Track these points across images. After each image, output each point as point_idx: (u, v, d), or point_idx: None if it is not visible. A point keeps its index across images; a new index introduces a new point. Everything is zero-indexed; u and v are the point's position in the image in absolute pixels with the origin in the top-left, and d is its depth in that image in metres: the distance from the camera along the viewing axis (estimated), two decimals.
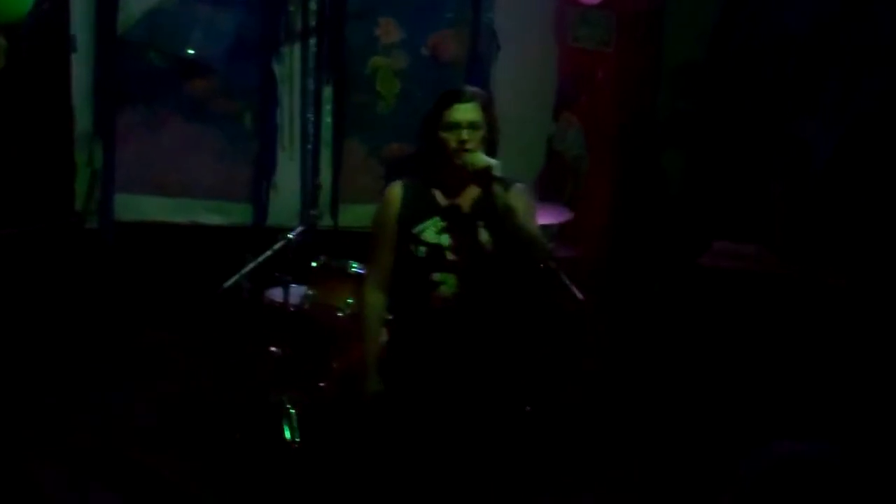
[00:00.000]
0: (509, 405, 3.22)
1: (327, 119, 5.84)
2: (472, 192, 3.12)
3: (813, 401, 4.06)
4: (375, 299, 3.22)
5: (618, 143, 6.09)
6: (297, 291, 4.27)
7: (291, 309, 4.22)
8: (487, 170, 2.96)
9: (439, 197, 3.15)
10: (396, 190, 3.20)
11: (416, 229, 3.10)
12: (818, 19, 4.95)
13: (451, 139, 3.04)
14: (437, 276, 3.05)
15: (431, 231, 3.09)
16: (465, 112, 3.06)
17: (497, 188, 2.95)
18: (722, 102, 5.63)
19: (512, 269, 3.09)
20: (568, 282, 4.67)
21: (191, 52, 5.68)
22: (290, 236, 4.23)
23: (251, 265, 4.17)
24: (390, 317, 3.31)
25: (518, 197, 3.09)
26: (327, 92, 5.86)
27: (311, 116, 5.86)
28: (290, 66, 5.82)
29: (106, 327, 5.61)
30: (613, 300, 5.77)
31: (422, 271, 3.08)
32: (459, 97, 3.09)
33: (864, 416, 3.14)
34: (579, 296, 4.61)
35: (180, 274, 5.62)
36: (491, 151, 3.15)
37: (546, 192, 6.01)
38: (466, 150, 3.03)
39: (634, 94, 6.08)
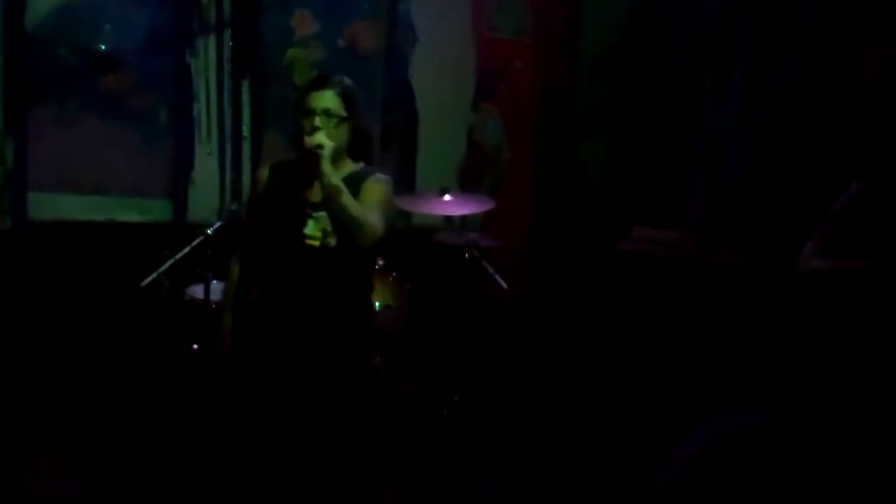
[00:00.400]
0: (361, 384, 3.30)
1: (245, 112, 5.78)
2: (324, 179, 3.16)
3: (737, 381, 4.16)
4: (236, 275, 3.36)
5: (537, 133, 6.15)
6: (218, 287, 4.22)
7: (213, 306, 4.17)
8: (316, 148, 3.02)
9: (299, 182, 3.21)
10: (264, 173, 3.32)
11: (274, 213, 3.20)
12: (727, 4, 5.05)
13: (306, 125, 3.11)
14: (292, 258, 3.15)
15: (286, 215, 3.18)
16: (321, 99, 3.13)
17: (325, 166, 3.00)
18: (639, 91, 5.71)
19: (350, 255, 3.17)
20: (492, 270, 4.70)
21: (102, 47, 5.58)
22: (208, 232, 4.17)
23: (169, 262, 4.10)
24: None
25: (372, 184, 3.20)
26: (245, 85, 5.80)
27: (228, 111, 5.80)
28: (205, 59, 5.75)
29: (21, 329, 5.48)
30: (536, 288, 5.83)
31: (276, 255, 3.18)
32: (318, 84, 3.18)
33: (790, 390, 3.20)
34: (503, 284, 4.64)
35: (98, 273, 5.52)
36: (358, 140, 3.27)
37: (467, 182, 6.06)
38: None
39: (552, 83, 6.14)
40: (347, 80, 3.26)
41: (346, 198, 3.02)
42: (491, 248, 4.96)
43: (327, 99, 3.13)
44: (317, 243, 3.14)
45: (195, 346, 4.29)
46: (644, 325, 5.01)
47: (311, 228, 3.15)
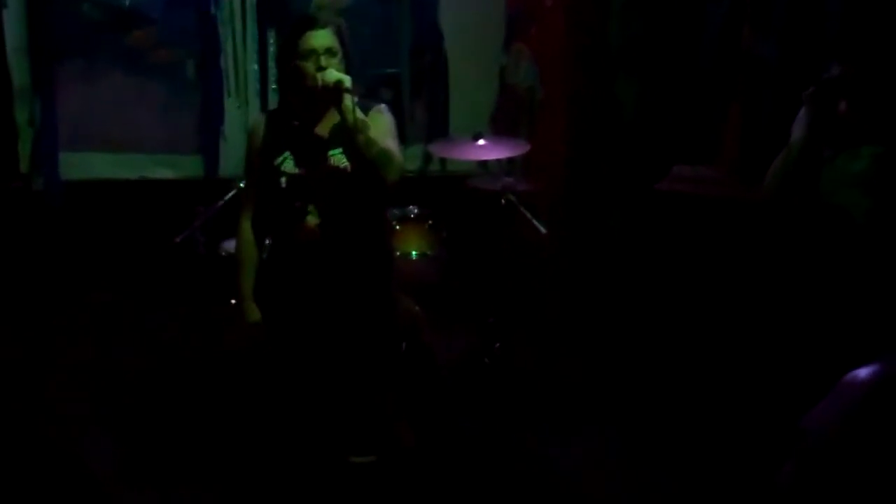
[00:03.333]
0: (376, 330, 3.25)
1: (272, 63, 5.70)
2: (331, 119, 3.11)
3: (780, 325, 4.07)
4: (247, 231, 3.29)
5: (570, 72, 6.01)
6: None
7: None
8: (339, 84, 2.94)
9: (299, 127, 3.15)
10: (259, 123, 3.23)
11: (277, 161, 3.12)
12: None
13: (308, 66, 3.03)
14: (300, 207, 3.09)
15: (290, 162, 3.11)
16: (321, 38, 3.05)
17: (348, 102, 2.93)
18: (675, 25, 5.55)
19: (373, 192, 3.12)
20: (529, 215, 4.62)
21: (126, 1, 5.52)
22: (241, 185, 4.12)
23: (203, 217, 4.07)
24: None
25: (376, 116, 3.13)
26: (271, 34, 5.72)
27: (255, 64, 5.73)
28: (229, 9, 5.67)
29: (58, 289, 5.51)
30: (574, 231, 5.75)
31: (285, 203, 3.12)
32: (313, 24, 3.09)
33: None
34: (542, 229, 4.57)
35: (132, 230, 5.52)
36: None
37: (501, 125, 5.95)
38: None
39: (585, 20, 5.97)
40: (335, 18, 3.19)
41: (373, 131, 2.97)
42: (527, 193, 4.87)
43: (326, 37, 3.05)
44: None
45: (233, 301, 4.26)
46: (684, 266, 4.93)
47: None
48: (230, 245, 4.27)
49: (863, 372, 2.72)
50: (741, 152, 5.18)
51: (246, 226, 3.28)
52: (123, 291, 5.53)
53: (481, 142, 4.65)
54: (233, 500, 3.56)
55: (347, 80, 2.94)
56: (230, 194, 4.16)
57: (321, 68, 2.99)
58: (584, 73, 5.98)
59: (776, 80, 4.84)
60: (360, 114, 2.95)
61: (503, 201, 4.66)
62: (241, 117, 5.77)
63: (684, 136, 5.49)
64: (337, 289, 3.17)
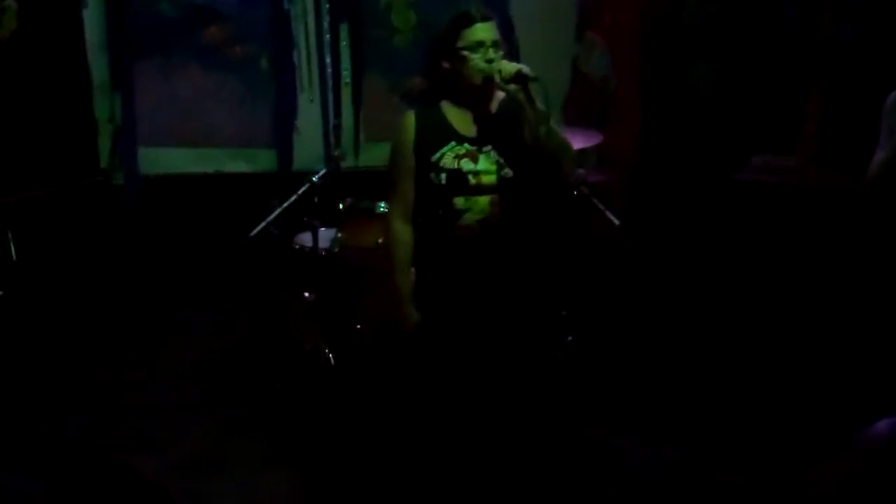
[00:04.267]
0: (540, 334, 3.14)
1: (345, 57, 5.72)
2: (489, 113, 3.05)
3: (864, 320, 3.96)
4: (402, 232, 3.16)
5: (644, 60, 5.91)
6: (325, 235, 4.21)
7: (322, 253, 4.16)
8: (520, 73, 2.87)
9: (455, 122, 3.07)
10: (410, 118, 3.12)
11: (435, 157, 3.03)
12: None
13: (477, 59, 2.94)
14: (459, 203, 3.00)
15: (450, 156, 3.03)
16: (487, 31, 2.98)
17: (532, 94, 2.86)
18: (752, 9, 5.42)
19: (539, 186, 3.05)
20: (602, 206, 4.55)
21: None
22: (314, 179, 4.15)
23: (277, 211, 4.10)
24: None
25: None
26: (343, 29, 5.74)
27: (328, 59, 5.75)
28: (302, 5, 5.71)
29: (138, 281, 5.62)
30: (649, 223, 5.65)
31: (443, 199, 3.02)
32: (478, 17, 3.00)
33: None
34: (615, 221, 4.49)
35: (208, 224, 5.60)
36: None
37: (573, 115, 5.88)
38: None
39: (658, 6, 5.87)
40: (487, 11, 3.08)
41: (553, 121, 2.90)
42: (600, 184, 4.79)
43: (492, 30, 2.98)
44: (493, 178, 3.00)
45: (306, 294, 4.30)
46: (765, 258, 4.82)
47: (483, 164, 3.01)
48: (303, 238, 4.30)
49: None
50: (823, 140, 5.04)
51: (399, 226, 3.15)
52: (200, 284, 5.61)
53: None
54: (313, 490, 3.60)
55: (527, 70, 2.87)
56: (304, 188, 4.18)
57: (490, 61, 2.93)
58: (658, 60, 5.88)
59: (858, 64, 4.69)
60: (540, 104, 2.87)
61: (575, 193, 4.60)
62: (314, 111, 5.81)
63: (763, 124, 5.37)
64: (499, 290, 3.09)
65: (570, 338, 4.52)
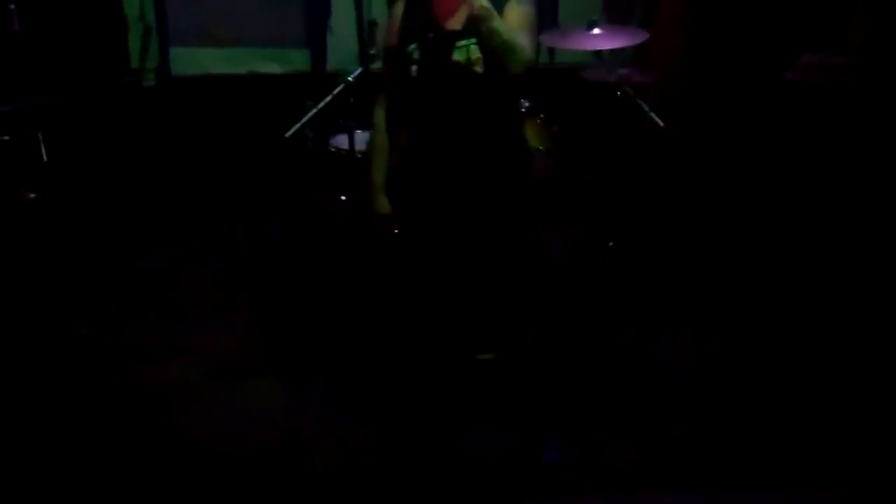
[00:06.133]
0: (510, 223, 3.19)
1: None
2: (466, 10, 2.98)
3: None
4: (381, 122, 3.25)
5: None
6: (362, 137, 4.12)
7: (359, 156, 4.08)
8: None
9: (434, 15, 3.07)
10: (399, 8, 3.17)
11: (409, 48, 3.06)
12: None
13: None
14: (438, 89, 3.04)
15: (429, 47, 3.04)
16: None
17: None
18: None
19: (497, 86, 3.03)
20: (646, 108, 4.42)
21: None
22: (349, 79, 4.03)
23: (311, 112, 4.01)
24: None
25: (513, 7, 3.03)
26: None
27: None
28: None
29: (170, 183, 5.59)
30: (694, 124, 5.51)
31: (416, 92, 3.07)
32: None
33: None
34: (659, 122, 4.37)
35: (242, 126, 5.53)
36: None
37: (614, 12, 5.69)
38: None
39: None
40: None
41: (497, 21, 2.89)
42: (644, 84, 4.66)
43: None
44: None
45: (343, 197, 4.23)
46: (812, 159, 4.69)
47: (456, 56, 3.01)
48: (339, 140, 4.22)
49: None
50: (871, 38, 4.86)
51: (380, 114, 3.24)
52: (232, 186, 5.57)
53: (596, 31, 4.43)
54: (351, 393, 3.60)
55: None
56: (338, 89, 4.07)
57: None
58: None
59: None
60: (485, 2, 2.86)
61: (618, 93, 4.47)
62: (348, 9, 5.65)
63: (811, 22, 5.16)
64: (469, 187, 3.12)
65: (611, 243, 4.45)
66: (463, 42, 3.00)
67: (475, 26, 2.92)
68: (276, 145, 3.98)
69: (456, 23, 3.03)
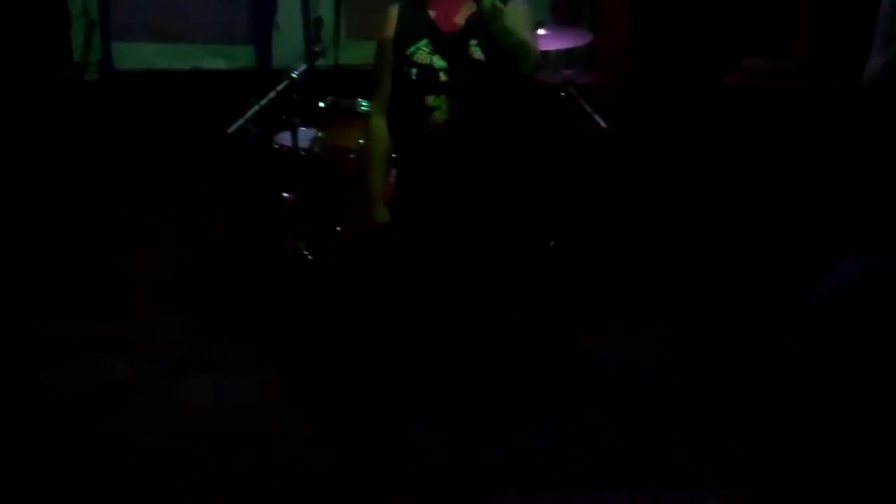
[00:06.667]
0: (509, 227, 3.14)
1: None
2: (467, 9, 2.97)
3: (849, 221, 3.92)
4: (380, 128, 3.12)
5: None
6: (305, 134, 4.10)
7: (301, 153, 4.06)
8: None
9: (433, 16, 3.01)
10: (393, 11, 3.08)
11: (409, 51, 2.98)
12: None
13: None
14: (430, 100, 2.95)
15: (424, 52, 2.97)
16: None
17: None
18: None
19: (507, 86, 2.97)
20: (590, 109, 4.45)
21: None
22: (293, 75, 4.02)
23: (255, 109, 3.98)
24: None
25: (515, 8, 2.94)
26: None
27: None
28: None
29: (111, 179, 5.52)
30: (636, 126, 5.56)
31: (415, 95, 2.97)
32: None
33: None
34: (602, 123, 4.40)
35: (185, 121, 5.47)
36: None
37: (561, 14, 5.71)
38: None
39: None
40: None
41: (509, 20, 2.84)
42: (588, 85, 4.69)
43: None
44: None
45: (286, 195, 4.21)
46: (753, 161, 4.76)
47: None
48: (283, 137, 4.19)
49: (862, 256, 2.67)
50: (814, 44, 4.94)
51: (377, 122, 3.11)
52: (175, 183, 5.51)
53: (542, 31, 4.45)
54: (295, 388, 3.58)
55: None
56: (282, 85, 4.05)
57: None
58: None
59: None
60: (497, 2, 2.82)
61: (563, 94, 4.49)
62: (294, 6, 5.62)
63: (754, 27, 5.24)
64: (468, 189, 3.03)
65: (552, 243, 4.48)
66: (471, 41, 2.93)
67: (480, 26, 2.88)
68: (219, 141, 3.95)
69: (459, 21, 2.98)
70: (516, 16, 2.91)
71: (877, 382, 2.53)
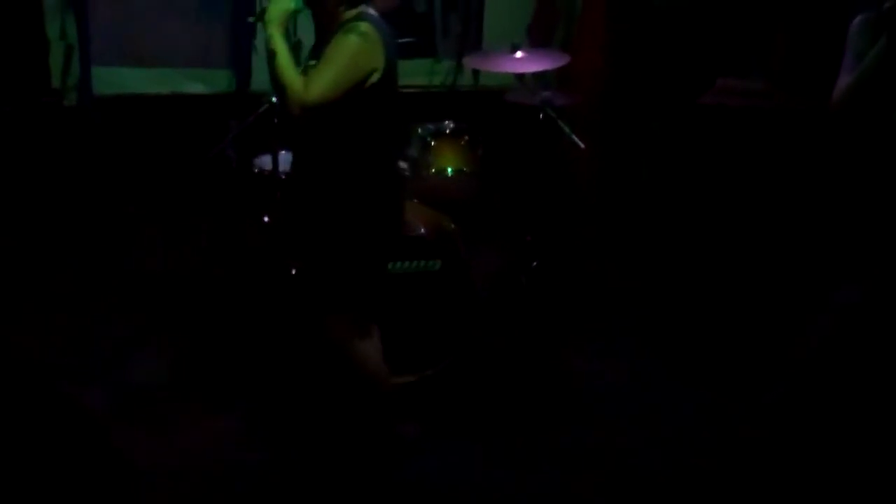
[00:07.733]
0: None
1: None
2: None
3: (825, 237, 3.98)
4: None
5: None
6: (286, 158, 4.12)
7: (282, 177, 4.08)
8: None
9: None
10: (369, 27, 2.93)
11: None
12: None
13: None
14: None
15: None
16: None
17: (269, 31, 2.87)
18: None
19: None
20: (567, 130, 4.50)
21: None
22: (273, 100, 4.04)
23: (234, 133, 4.00)
24: None
25: (337, 39, 2.84)
26: None
27: None
28: None
29: (92, 203, 5.51)
30: (614, 146, 5.61)
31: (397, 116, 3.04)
32: None
33: (878, 249, 3.06)
34: (580, 144, 4.45)
35: (165, 145, 5.47)
36: None
37: (538, 37, 5.78)
38: None
39: None
40: None
41: (281, 59, 2.82)
42: (566, 107, 4.74)
43: None
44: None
45: (266, 218, 4.22)
46: (728, 180, 4.82)
47: None
48: (263, 161, 4.21)
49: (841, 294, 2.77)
50: (788, 64, 5.01)
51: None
52: (155, 207, 5.51)
53: (518, 54, 4.51)
54: (269, 419, 3.58)
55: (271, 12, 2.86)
56: (262, 108, 4.08)
57: None
58: None
59: None
60: (273, 41, 2.84)
61: (541, 116, 4.54)
62: None
63: (728, 47, 5.31)
64: (303, 234, 3.13)
65: (534, 263, 4.51)
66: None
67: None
68: (200, 165, 3.96)
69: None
70: (329, 47, 2.83)
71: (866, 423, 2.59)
